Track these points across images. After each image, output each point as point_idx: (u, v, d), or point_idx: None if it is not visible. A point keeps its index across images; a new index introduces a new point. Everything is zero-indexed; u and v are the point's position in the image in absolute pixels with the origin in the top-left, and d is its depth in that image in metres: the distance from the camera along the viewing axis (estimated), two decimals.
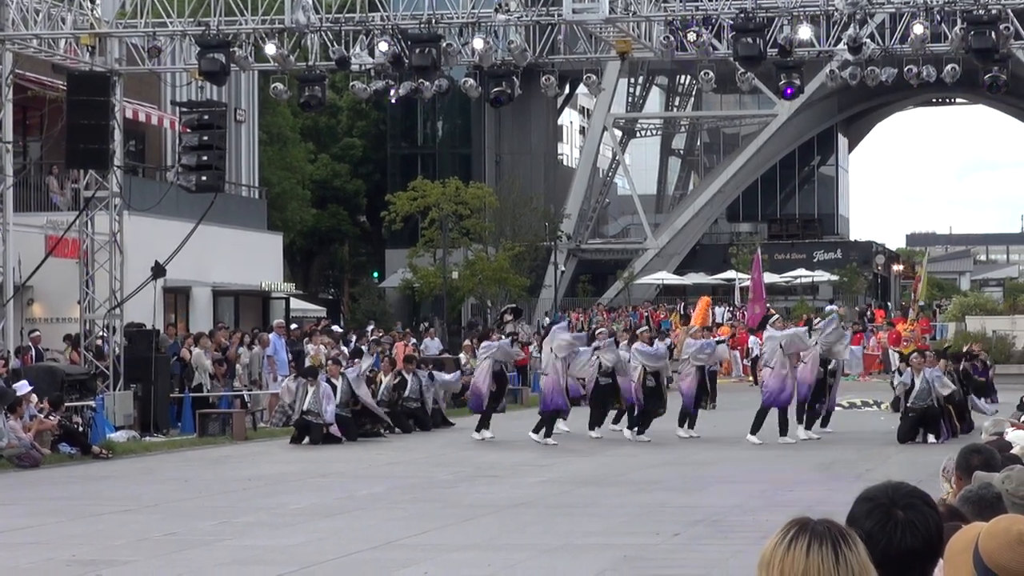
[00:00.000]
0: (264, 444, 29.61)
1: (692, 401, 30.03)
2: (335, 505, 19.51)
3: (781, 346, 28.76)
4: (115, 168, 31.30)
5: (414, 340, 44.78)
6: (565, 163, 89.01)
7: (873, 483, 4.24)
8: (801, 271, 75.81)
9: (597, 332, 31.97)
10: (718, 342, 33.22)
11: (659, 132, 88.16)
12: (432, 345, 45.82)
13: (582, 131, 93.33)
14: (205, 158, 30.34)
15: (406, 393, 32.82)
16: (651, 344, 30.25)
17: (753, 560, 3.67)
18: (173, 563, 14.73)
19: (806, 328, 31.50)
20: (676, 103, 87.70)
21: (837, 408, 32.28)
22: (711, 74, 31.65)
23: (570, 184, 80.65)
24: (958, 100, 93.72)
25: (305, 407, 29.22)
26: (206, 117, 30.60)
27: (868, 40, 29.23)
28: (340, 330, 46.36)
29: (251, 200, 52.55)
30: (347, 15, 30.36)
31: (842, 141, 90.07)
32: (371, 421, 31.00)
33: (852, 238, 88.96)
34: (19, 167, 34.41)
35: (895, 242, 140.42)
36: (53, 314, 36.95)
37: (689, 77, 77.24)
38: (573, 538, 16.21)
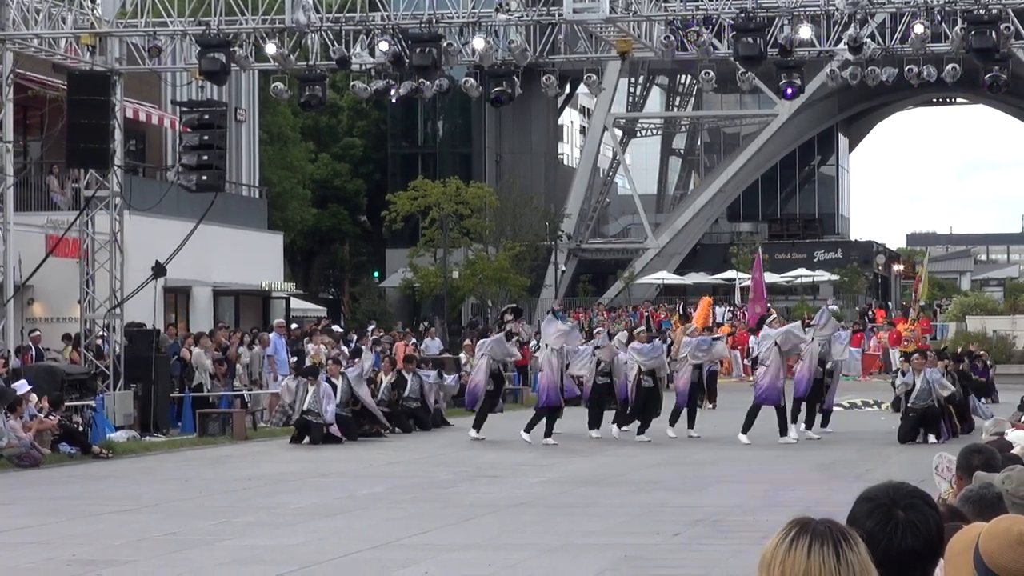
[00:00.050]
0: (264, 444, 29.61)
1: (686, 399, 29.90)
2: (335, 505, 19.51)
3: (777, 344, 28.73)
4: (115, 168, 31.30)
5: (414, 340, 44.78)
6: (565, 163, 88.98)
7: (874, 483, 4.24)
8: (802, 271, 75.75)
9: (596, 332, 31.96)
10: (715, 339, 33.07)
11: (659, 132, 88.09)
12: (432, 345, 45.79)
13: (582, 131, 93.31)
14: (205, 158, 30.34)
15: (406, 393, 32.82)
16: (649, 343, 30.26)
17: (753, 560, 3.66)
18: (173, 563, 14.73)
19: (799, 323, 31.54)
20: (676, 103, 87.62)
21: (837, 408, 32.27)
22: (711, 74, 31.65)
23: (570, 184, 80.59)
24: (958, 100, 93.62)
25: (305, 407, 29.22)
26: (206, 117, 30.60)
27: (868, 40, 29.22)
28: (340, 330, 46.34)
29: (251, 200, 52.52)
30: (347, 15, 30.35)
31: (842, 141, 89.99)
32: (371, 422, 31.02)
33: (853, 238, 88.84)
34: (19, 167, 34.44)
35: (896, 242, 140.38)
36: (53, 314, 36.97)
37: (689, 77, 77.23)
38: (573, 538, 16.22)
